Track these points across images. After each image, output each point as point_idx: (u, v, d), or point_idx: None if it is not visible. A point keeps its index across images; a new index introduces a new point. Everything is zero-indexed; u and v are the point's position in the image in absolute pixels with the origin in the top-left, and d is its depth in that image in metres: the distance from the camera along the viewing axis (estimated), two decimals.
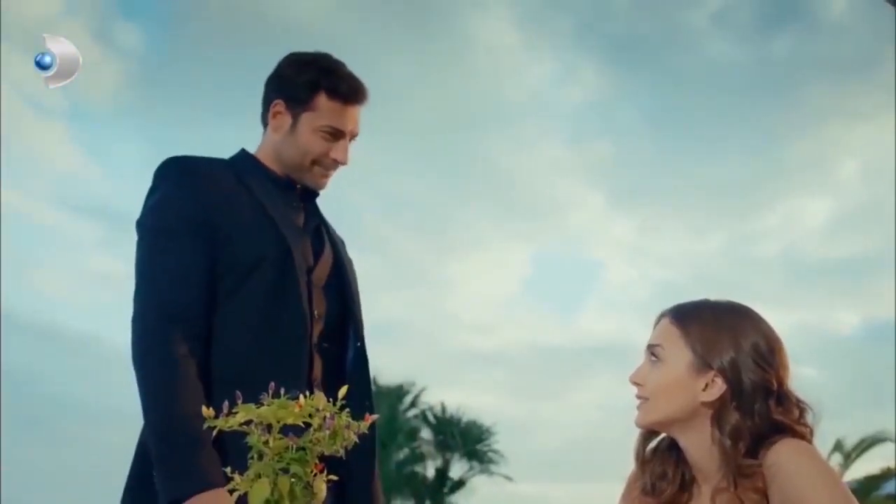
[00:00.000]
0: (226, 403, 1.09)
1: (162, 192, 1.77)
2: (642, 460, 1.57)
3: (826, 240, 29.93)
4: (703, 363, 1.46)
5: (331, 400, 1.11)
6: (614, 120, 30.60)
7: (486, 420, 24.09)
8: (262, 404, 1.09)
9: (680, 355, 1.48)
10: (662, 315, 1.56)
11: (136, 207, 1.78)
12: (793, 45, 27.54)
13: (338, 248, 1.92)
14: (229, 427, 1.08)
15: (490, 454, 23.63)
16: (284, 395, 1.11)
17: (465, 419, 23.84)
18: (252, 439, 1.07)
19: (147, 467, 1.60)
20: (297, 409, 1.08)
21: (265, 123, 1.90)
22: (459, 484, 23.41)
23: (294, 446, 1.07)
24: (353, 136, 1.87)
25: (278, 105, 1.85)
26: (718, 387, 1.46)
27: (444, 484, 22.92)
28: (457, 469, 23.68)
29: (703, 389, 1.46)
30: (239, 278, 1.71)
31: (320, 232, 1.90)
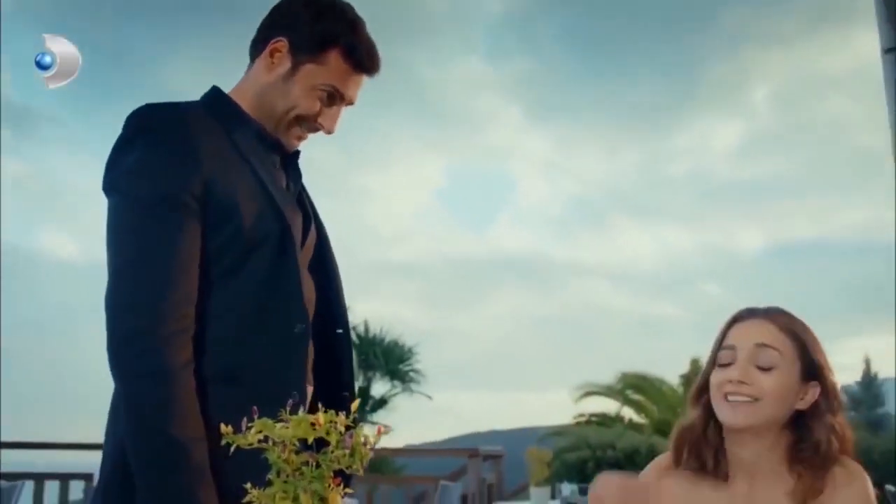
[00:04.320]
0: (244, 420, 1.07)
1: (143, 151, 1.47)
2: (701, 443, 1.61)
3: (735, 162, 30.82)
4: (807, 374, 1.58)
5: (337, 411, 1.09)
6: (533, 35, 30.53)
7: (407, 340, 24.35)
8: (280, 419, 1.08)
9: (794, 365, 1.57)
10: (757, 316, 1.61)
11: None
12: None
13: (321, 222, 1.72)
14: (248, 445, 1.07)
15: (411, 374, 23.99)
16: (292, 403, 1.09)
17: (387, 339, 24.05)
18: (272, 456, 1.06)
19: (123, 472, 1.41)
20: (314, 426, 1.08)
21: (254, 57, 1.66)
22: (381, 402, 23.77)
23: (314, 463, 1.07)
24: (350, 104, 1.68)
25: (280, 43, 1.62)
26: (813, 394, 1.58)
27: (366, 402, 23.22)
28: (378, 388, 24.00)
29: (802, 398, 1.58)
30: (235, 261, 1.48)
31: (303, 202, 1.68)
